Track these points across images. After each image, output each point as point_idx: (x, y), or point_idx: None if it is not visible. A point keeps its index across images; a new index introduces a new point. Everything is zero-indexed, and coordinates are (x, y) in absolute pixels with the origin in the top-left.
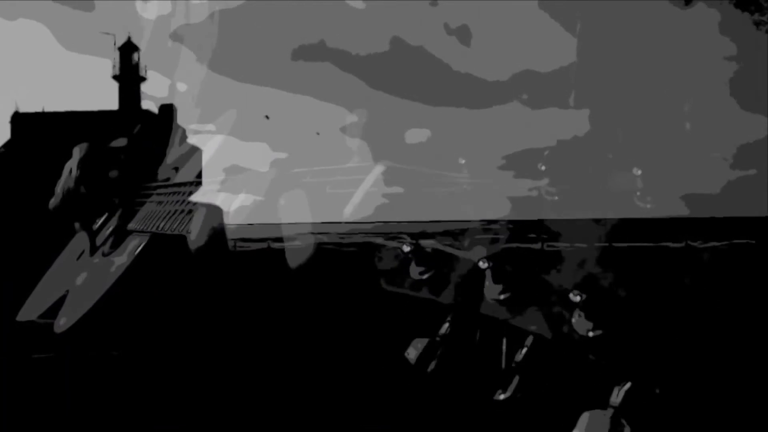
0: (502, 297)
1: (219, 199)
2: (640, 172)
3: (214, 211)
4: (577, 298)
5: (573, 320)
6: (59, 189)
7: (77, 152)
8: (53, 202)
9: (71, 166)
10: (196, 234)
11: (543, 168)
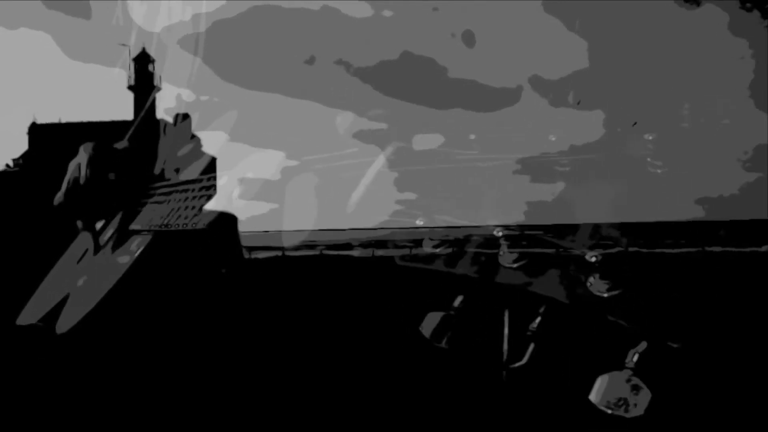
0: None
1: (233, 207)
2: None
3: (229, 218)
4: (593, 259)
5: (590, 281)
6: (64, 185)
7: (83, 151)
8: (58, 198)
9: (78, 162)
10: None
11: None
